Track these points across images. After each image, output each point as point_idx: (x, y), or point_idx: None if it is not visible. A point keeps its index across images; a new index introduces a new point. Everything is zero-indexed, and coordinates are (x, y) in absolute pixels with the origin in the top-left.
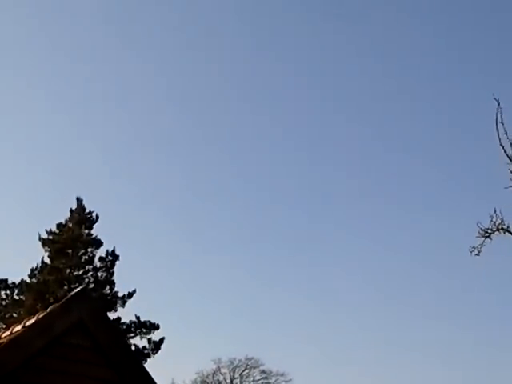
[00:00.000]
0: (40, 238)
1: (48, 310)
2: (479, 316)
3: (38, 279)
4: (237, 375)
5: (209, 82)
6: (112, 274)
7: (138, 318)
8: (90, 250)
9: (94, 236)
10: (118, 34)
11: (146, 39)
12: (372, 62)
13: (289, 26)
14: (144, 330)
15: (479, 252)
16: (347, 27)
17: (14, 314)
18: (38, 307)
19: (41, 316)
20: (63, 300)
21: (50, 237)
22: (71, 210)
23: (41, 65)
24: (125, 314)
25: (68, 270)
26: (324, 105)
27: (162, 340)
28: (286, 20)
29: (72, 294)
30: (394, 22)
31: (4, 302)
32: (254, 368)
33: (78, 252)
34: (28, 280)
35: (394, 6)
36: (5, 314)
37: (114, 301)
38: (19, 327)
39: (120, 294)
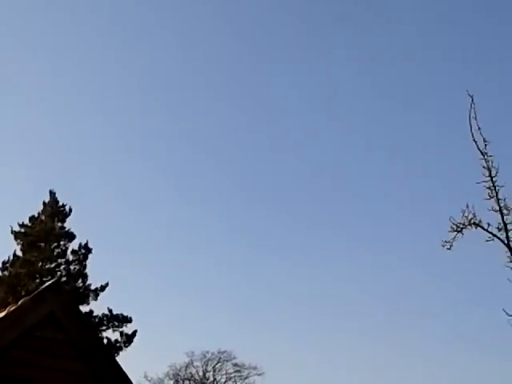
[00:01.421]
0: (12, 231)
1: (19, 303)
2: (449, 310)
3: (10, 272)
4: (209, 368)
5: (192, 86)
6: (85, 267)
7: (110, 311)
8: (62, 243)
9: (66, 229)
10: (101, 35)
11: (123, 41)
12: (344, 61)
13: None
14: (116, 323)
15: (451, 246)
16: (328, 27)
17: None
18: (9, 300)
19: (12, 309)
20: (35, 293)
21: (23, 229)
22: (44, 203)
23: (22, 65)
24: (97, 307)
25: (40, 263)
26: (301, 104)
27: (134, 333)
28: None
29: (44, 286)
30: (372, 21)
31: None
32: (227, 361)
33: (51, 245)
34: (0, 273)
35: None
36: None
37: (87, 294)
38: None
39: (93, 287)
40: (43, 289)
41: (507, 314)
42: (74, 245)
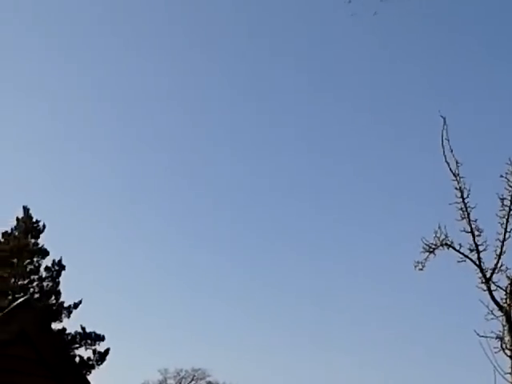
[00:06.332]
0: None
1: None
2: (422, 329)
3: None
4: None
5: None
6: (58, 283)
7: (83, 328)
8: (36, 259)
9: (40, 245)
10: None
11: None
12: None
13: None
14: (89, 341)
15: (423, 267)
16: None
17: None
18: None
19: None
20: (6, 310)
21: None
22: (17, 219)
23: None
24: (70, 324)
25: (13, 280)
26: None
27: (107, 351)
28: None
29: (15, 304)
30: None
31: None
32: (201, 379)
33: (24, 261)
34: None
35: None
36: None
37: (60, 311)
38: None
39: (66, 305)
40: (15, 306)
41: (478, 334)
42: (47, 261)
